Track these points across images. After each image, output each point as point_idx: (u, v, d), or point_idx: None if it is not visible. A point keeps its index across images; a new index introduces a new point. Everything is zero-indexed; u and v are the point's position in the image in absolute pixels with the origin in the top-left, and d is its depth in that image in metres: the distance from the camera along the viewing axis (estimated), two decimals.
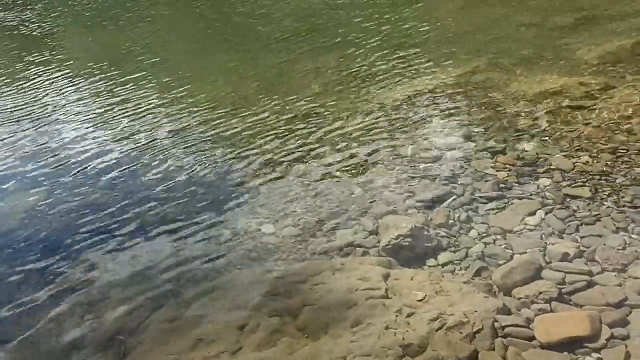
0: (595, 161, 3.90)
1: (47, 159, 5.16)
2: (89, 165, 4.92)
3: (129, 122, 5.82)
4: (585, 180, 3.72)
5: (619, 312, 2.68)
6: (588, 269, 2.95)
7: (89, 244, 3.78)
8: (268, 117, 5.45)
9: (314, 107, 5.52)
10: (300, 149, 4.72)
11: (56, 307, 3.22)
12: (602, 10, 7.08)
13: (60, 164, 5.02)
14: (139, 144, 5.23)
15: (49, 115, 6.31)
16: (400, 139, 4.65)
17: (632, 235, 3.15)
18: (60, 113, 6.36)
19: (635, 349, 2.49)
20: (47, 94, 7.09)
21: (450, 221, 3.54)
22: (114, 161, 4.96)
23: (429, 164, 4.21)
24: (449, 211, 3.63)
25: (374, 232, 3.54)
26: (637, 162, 3.81)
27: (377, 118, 5.09)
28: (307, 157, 4.58)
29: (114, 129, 5.71)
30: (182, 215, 3.98)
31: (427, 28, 7.51)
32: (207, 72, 7.15)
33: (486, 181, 3.88)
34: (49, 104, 6.70)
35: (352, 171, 4.28)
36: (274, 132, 5.11)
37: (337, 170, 4.32)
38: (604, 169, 3.80)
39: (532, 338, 2.60)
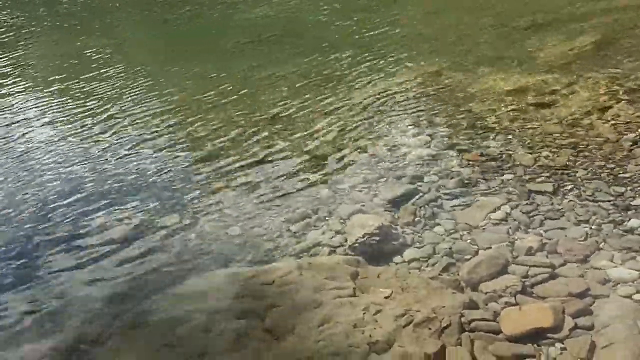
0: (557, 156, 3.97)
1: (6, 164, 5.02)
2: (49, 170, 4.78)
3: (92, 127, 5.69)
4: (548, 175, 3.79)
5: (582, 303, 2.71)
6: (551, 261, 3.00)
7: (50, 251, 3.66)
8: (235, 120, 5.40)
9: (281, 110, 5.49)
10: (267, 151, 4.69)
11: (14, 317, 3.11)
12: (561, 12, 7.25)
13: (19, 169, 4.87)
14: (102, 150, 5.12)
15: (8, 120, 6.13)
16: (367, 139, 4.66)
17: (593, 227, 3.21)
18: (21, 117, 6.19)
19: (599, 338, 2.52)
20: (4, 99, 6.90)
21: (417, 218, 3.56)
22: (75, 166, 4.84)
23: (396, 163, 4.22)
24: (416, 209, 3.65)
25: (342, 232, 3.53)
26: (597, 156, 3.90)
27: (344, 119, 5.09)
28: (275, 159, 4.55)
29: (75, 134, 5.58)
30: (147, 219, 3.90)
31: (394, 32, 7.57)
32: (173, 78, 7.05)
33: (451, 178, 3.91)
34: (7, 109, 6.52)
35: (320, 172, 4.27)
36: (241, 135, 5.07)
37: (305, 172, 4.30)
38: (566, 164, 3.87)
39: (499, 331, 2.62)
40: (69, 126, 5.83)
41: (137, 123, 5.67)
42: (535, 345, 2.52)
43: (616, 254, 2.99)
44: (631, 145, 3.94)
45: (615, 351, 2.43)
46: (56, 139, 5.50)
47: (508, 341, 2.55)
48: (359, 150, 4.51)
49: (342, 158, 4.43)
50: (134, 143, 5.18)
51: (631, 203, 3.37)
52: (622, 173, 3.67)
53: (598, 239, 3.12)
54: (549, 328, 2.57)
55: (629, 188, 3.51)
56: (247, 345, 2.67)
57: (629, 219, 3.22)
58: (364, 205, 3.77)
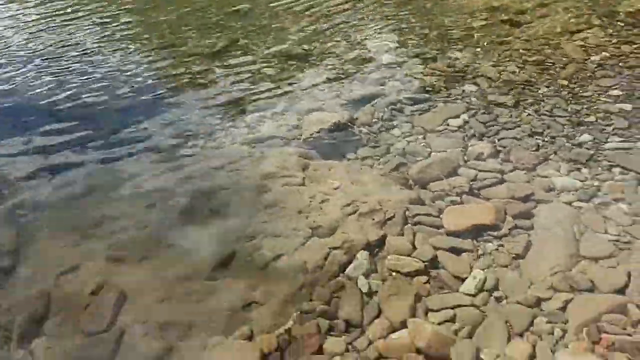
0: (521, 72, 3.94)
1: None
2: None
3: (61, 25, 5.35)
4: (510, 89, 3.76)
5: (524, 206, 2.76)
6: (501, 167, 3.02)
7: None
8: (200, 11, 5.14)
9: (248, 6, 5.24)
10: (230, 45, 4.51)
11: None
12: None
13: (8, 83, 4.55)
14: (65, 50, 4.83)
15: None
16: (335, 40, 4.52)
17: (546, 139, 3.24)
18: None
19: (536, 238, 2.59)
20: None
21: (375, 120, 3.51)
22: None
23: (361, 66, 4.12)
24: (375, 110, 3.59)
25: (298, 127, 3.47)
26: (561, 75, 3.88)
27: (312, 20, 4.91)
28: (237, 53, 4.39)
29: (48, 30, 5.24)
30: (106, 104, 3.75)
31: None
32: None
33: (414, 85, 3.85)
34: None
35: (282, 69, 4.14)
36: (205, 27, 4.85)
37: (267, 67, 4.16)
38: (530, 79, 3.84)
39: (441, 226, 2.66)
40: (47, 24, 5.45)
41: (99, 20, 5.34)
42: (473, 241, 2.57)
43: (563, 165, 3.03)
44: (596, 67, 3.93)
45: (549, 251, 2.51)
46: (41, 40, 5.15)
47: (448, 235, 2.60)
48: (324, 51, 4.37)
49: (306, 57, 4.29)
50: (100, 42, 4.90)
51: (585, 120, 3.39)
52: (583, 92, 3.67)
53: (548, 150, 3.15)
54: (489, 226, 2.62)
55: (585, 107, 3.52)
56: (192, 222, 2.65)
57: (581, 134, 3.25)
58: (323, 104, 3.69)
